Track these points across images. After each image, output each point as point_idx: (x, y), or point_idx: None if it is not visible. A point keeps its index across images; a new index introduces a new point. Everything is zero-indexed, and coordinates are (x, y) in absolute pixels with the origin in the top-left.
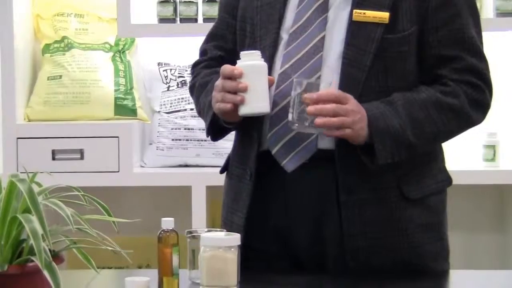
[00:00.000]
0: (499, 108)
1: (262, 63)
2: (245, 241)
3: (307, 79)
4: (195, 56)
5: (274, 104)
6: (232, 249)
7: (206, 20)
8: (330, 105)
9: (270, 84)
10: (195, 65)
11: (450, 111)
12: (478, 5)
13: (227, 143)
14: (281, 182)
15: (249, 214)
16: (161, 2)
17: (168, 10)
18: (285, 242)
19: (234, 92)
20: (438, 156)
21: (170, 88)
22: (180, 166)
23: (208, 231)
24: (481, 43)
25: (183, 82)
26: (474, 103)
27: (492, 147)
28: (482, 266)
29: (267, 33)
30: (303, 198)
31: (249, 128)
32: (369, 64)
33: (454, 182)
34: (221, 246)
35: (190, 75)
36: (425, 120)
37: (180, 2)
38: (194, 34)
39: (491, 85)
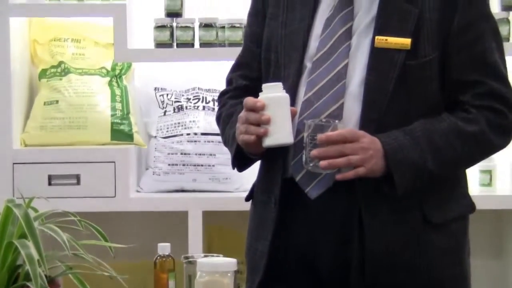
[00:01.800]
0: None
1: (284, 95)
2: (269, 267)
3: (315, 121)
4: (192, 81)
5: (297, 132)
6: (229, 274)
7: (202, 45)
8: (334, 146)
9: (293, 114)
10: (221, 95)
11: (471, 139)
12: None
13: (224, 168)
14: (305, 208)
15: (273, 240)
16: (158, 27)
17: (165, 35)
18: (308, 266)
19: (257, 124)
20: (461, 181)
21: (167, 113)
22: (177, 191)
23: (205, 256)
24: (505, 67)
25: (179, 107)
26: (496, 128)
27: (488, 172)
28: None
29: (291, 62)
30: (326, 223)
31: (274, 156)
32: (391, 90)
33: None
34: (217, 271)
35: (217, 104)
36: (446, 149)
37: (177, 27)
38: (190, 59)
39: None
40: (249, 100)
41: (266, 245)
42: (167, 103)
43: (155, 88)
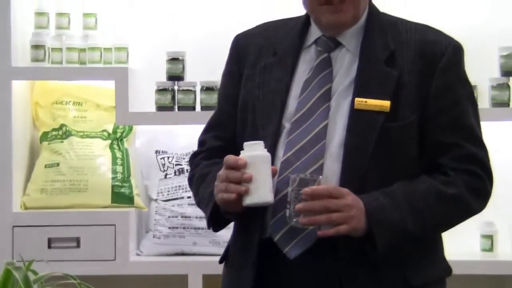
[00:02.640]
0: (496, 197)
1: (265, 154)
2: None
3: (300, 175)
4: (193, 144)
5: (276, 191)
6: None
7: (204, 108)
8: (320, 201)
9: (273, 174)
10: (193, 156)
11: (450, 201)
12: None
13: (225, 231)
14: (282, 269)
15: None
16: (159, 90)
17: (166, 98)
18: None
19: (238, 182)
20: (438, 245)
21: (168, 176)
22: (177, 254)
23: None
24: (480, 131)
25: (180, 170)
26: (474, 192)
27: (489, 237)
28: None
29: (270, 122)
30: (305, 284)
31: (251, 216)
32: (371, 152)
33: (452, 272)
34: None
35: (188, 165)
36: (426, 212)
37: (178, 90)
38: (192, 122)
39: (491, 174)
40: (230, 158)
41: None
42: (168, 166)
43: (156, 151)
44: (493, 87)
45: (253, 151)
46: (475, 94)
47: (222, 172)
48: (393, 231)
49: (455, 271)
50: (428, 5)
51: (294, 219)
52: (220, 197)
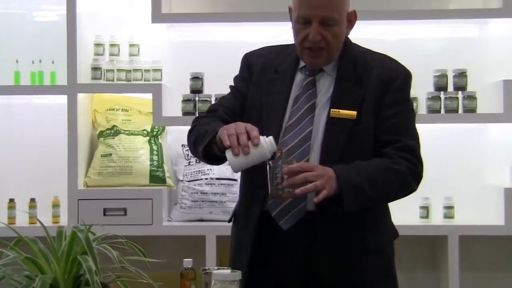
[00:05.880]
0: (431, 179)
1: (268, 155)
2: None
3: (272, 161)
4: None
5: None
6: (235, 282)
7: None
8: (299, 175)
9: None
10: (199, 117)
11: (396, 174)
12: (414, 104)
13: (232, 203)
14: (277, 235)
15: (252, 256)
16: (185, 100)
17: (189, 106)
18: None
19: (239, 144)
20: (387, 213)
21: (191, 163)
22: (197, 220)
23: (218, 269)
24: (415, 132)
25: None
26: (412, 173)
27: (426, 208)
28: None
29: (272, 124)
30: (293, 247)
31: (254, 189)
32: (341, 148)
33: (399, 233)
34: (227, 280)
35: (191, 124)
36: (379, 178)
37: (198, 100)
38: None
39: (422, 161)
40: (255, 129)
41: (244, 262)
42: (190, 156)
43: (182, 145)
44: (428, 99)
45: (267, 145)
46: (415, 107)
47: (242, 126)
48: (356, 191)
49: (401, 233)
50: (386, 38)
51: (273, 193)
52: (222, 133)
